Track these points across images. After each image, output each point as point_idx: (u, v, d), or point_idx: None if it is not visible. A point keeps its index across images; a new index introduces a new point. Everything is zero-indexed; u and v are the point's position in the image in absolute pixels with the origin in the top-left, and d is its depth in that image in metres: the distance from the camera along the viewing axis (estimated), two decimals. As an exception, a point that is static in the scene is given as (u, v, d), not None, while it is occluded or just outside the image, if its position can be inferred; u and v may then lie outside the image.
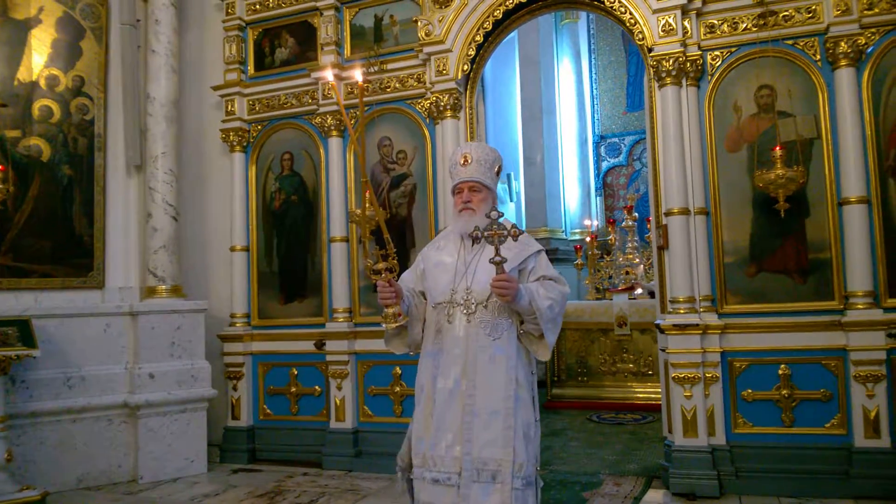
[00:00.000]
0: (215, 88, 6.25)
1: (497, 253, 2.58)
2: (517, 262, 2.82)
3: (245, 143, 6.19)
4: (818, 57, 4.61)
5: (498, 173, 2.99)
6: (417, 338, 2.99)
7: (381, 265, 2.67)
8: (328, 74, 3.01)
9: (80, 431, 5.27)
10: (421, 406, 2.87)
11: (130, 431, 5.43)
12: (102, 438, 5.35)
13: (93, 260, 5.61)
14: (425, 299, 2.99)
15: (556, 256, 10.99)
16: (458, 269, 2.87)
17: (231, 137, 6.17)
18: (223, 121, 6.23)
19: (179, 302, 5.69)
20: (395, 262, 2.67)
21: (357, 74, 3.05)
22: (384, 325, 2.80)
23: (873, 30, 4.48)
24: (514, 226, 2.65)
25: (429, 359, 2.88)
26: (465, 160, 2.91)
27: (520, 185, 12.14)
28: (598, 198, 12.51)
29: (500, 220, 2.61)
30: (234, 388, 6.01)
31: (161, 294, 5.65)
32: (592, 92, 12.73)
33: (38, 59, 5.48)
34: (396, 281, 2.77)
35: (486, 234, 2.60)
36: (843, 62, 4.48)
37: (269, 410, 6.01)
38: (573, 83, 12.32)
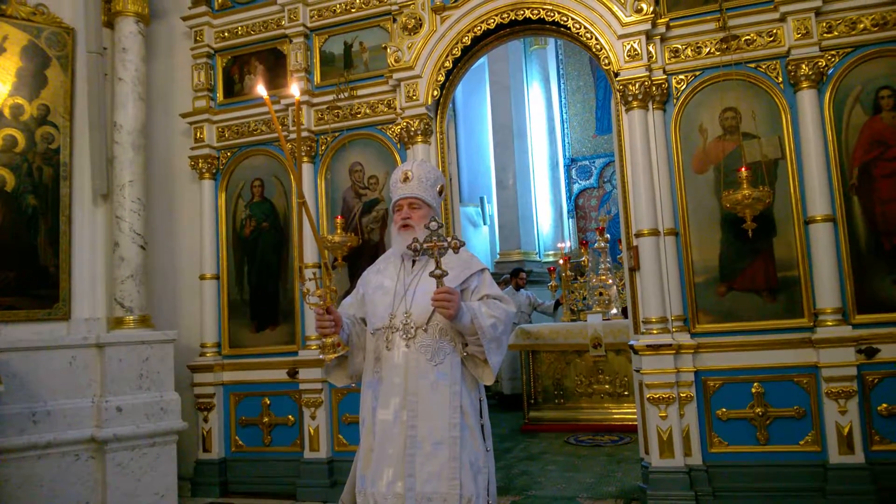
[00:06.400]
0: (184, 116, 6.21)
1: (438, 266, 2.43)
2: (459, 280, 2.68)
3: (214, 171, 6.14)
4: (780, 79, 4.71)
5: (440, 193, 2.87)
6: (359, 368, 2.82)
7: (318, 291, 2.49)
8: (294, 89, 2.94)
9: (46, 468, 5.09)
10: (363, 440, 2.71)
11: (98, 467, 5.27)
12: (69, 474, 5.18)
13: (58, 291, 5.46)
14: (367, 326, 2.83)
15: (530, 278, 11.04)
16: (398, 291, 2.72)
17: (200, 164, 6.12)
18: (192, 148, 6.17)
19: (147, 332, 5.56)
20: (334, 288, 2.53)
21: (294, 89, 2.99)
22: (322, 356, 2.59)
23: (833, 52, 4.60)
24: (454, 237, 2.48)
25: (369, 389, 2.72)
26: (406, 177, 2.80)
27: (493, 208, 12.22)
28: (570, 220, 12.63)
29: (440, 231, 2.46)
30: (205, 420, 5.89)
31: (129, 325, 5.53)
32: (562, 116, 12.92)
33: (2, 87, 5.38)
34: (336, 307, 2.63)
35: (424, 245, 2.45)
36: (804, 84, 4.58)
37: (241, 442, 5.89)
38: (543, 107, 12.49)
